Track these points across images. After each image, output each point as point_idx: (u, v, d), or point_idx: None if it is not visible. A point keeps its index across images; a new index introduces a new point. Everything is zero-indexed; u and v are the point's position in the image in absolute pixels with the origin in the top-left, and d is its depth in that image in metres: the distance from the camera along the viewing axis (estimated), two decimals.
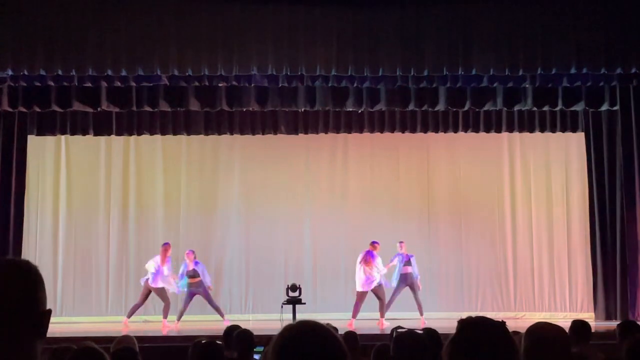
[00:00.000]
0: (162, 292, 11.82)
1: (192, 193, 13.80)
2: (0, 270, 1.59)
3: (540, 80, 11.08)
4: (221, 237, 13.66)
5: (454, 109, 12.35)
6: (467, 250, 13.64)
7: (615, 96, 11.89)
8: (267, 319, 12.01)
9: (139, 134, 12.99)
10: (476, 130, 13.01)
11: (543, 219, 13.58)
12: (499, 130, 13.10)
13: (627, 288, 11.99)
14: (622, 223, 12.22)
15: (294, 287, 11.21)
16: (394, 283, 12.03)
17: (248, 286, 13.55)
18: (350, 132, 13.20)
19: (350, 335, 5.99)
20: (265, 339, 5.70)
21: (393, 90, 11.58)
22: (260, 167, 13.70)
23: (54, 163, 13.55)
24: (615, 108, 12.02)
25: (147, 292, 11.87)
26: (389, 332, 6.77)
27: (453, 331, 2.17)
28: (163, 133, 12.97)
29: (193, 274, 11.85)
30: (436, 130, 13.07)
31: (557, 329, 3.02)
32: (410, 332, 4.48)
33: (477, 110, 12.41)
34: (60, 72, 10.22)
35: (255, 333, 5.61)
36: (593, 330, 5.65)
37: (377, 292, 11.70)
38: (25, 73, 10.23)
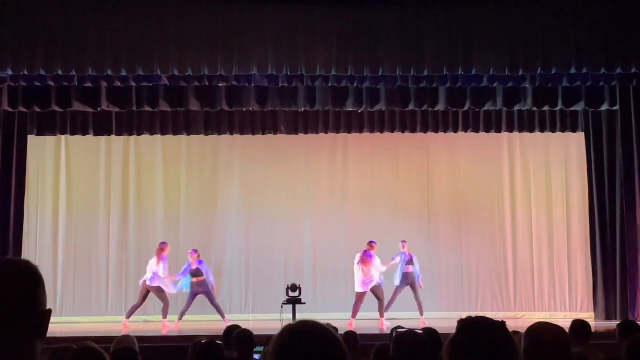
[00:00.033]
0: (160, 292, 11.81)
1: (192, 193, 13.81)
2: (0, 270, 1.59)
3: (540, 80, 11.09)
4: (221, 237, 13.66)
5: (454, 109, 12.35)
6: (467, 250, 13.64)
7: (615, 96, 11.89)
8: (267, 319, 12.01)
9: (139, 134, 13.00)
10: (476, 130, 13.02)
11: (543, 219, 13.58)
12: (499, 130, 13.11)
13: (627, 288, 11.99)
14: (622, 223, 12.23)
15: (294, 287, 11.21)
16: (397, 282, 12.04)
17: (248, 286, 13.55)
18: (350, 132, 13.21)
19: (350, 335, 5.99)
20: (265, 339, 5.72)
21: (393, 90, 11.58)
22: (260, 167, 13.70)
23: (54, 163, 13.55)
24: (615, 108, 12.02)
25: (146, 293, 11.85)
26: (389, 332, 6.77)
27: (453, 331, 2.16)
28: (163, 133, 12.98)
29: (197, 273, 11.83)
30: (436, 130, 13.07)
31: (557, 329, 3.02)
32: (410, 332, 4.48)
33: (477, 110, 12.41)
34: (60, 72, 10.22)
35: (255, 333, 5.61)
36: (593, 330, 5.65)
37: (376, 292, 11.70)
38: (25, 73, 10.23)
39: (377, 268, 11.68)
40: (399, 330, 5.15)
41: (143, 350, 5.02)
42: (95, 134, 12.87)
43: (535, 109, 12.21)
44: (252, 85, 11.22)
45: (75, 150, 13.62)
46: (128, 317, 11.85)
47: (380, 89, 11.61)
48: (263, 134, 13.03)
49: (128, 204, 13.63)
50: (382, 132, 13.05)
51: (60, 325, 11.34)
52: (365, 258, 11.66)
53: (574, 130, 13.12)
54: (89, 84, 10.91)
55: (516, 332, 3.25)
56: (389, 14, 10.27)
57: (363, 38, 10.27)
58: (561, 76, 10.93)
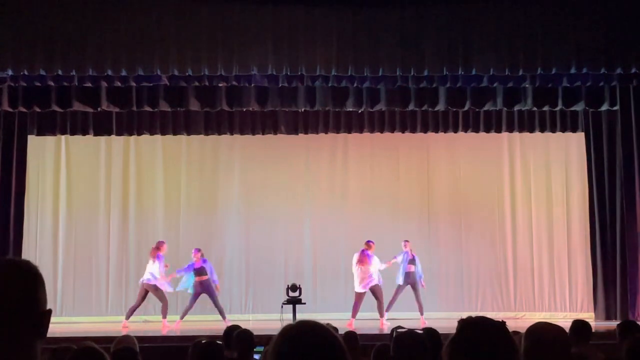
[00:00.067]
0: (158, 292, 11.80)
1: (192, 193, 13.81)
2: (0, 270, 1.59)
3: (540, 80, 11.08)
4: (221, 237, 13.66)
5: (454, 109, 12.35)
6: (467, 250, 13.64)
7: (615, 96, 11.89)
8: (267, 319, 12.01)
9: (139, 134, 13.00)
10: (476, 130, 13.02)
11: (543, 219, 13.58)
12: (499, 130, 13.10)
13: (627, 288, 11.98)
14: (622, 223, 12.22)
15: (294, 287, 11.21)
16: (400, 281, 12.05)
17: (248, 286, 13.56)
18: (350, 132, 13.20)
19: (350, 335, 5.99)
20: (265, 339, 5.71)
21: (393, 90, 11.57)
22: (260, 167, 13.70)
23: (54, 163, 13.55)
24: (615, 108, 12.02)
25: (144, 293, 11.85)
26: (389, 332, 6.77)
27: (453, 331, 2.17)
28: (163, 133, 12.98)
29: (201, 272, 11.81)
30: (436, 130, 13.07)
31: (557, 329, 3.02)
32: (410, 332, 4.48)
33: (477, 110, 12.41)
34: (60, 72, 10.22)
35: (255, 333, 5.61)
36: (593, 330, 5.65)
37: (375, 291, 11.70)
38: (25, 73, 10.23)
39: (376, 267, 11.69)
40: (399, 330, 5.15)
41: (143, 350, 5.02)
42: (95, 134, 12.86)
43: (535, 109, 12.20)
44: (252, 85, 11.22)
45: (75, 150, 13.62)
46: (127, 317, 11.84)
47: (380, 89, 11.61)
48: (263, 134, 13.03)
49: (128, 204, 13.63)
50: (382, 132, 13.05)
51: (60, 325, 11.33)
52: (363, 258, 11.67)
53: (574, 130, 13.12)
54: (89, 84, 10.91)
55: (516, 332, 3.25)
56: (389, 14, 10.27)
57: (363, 38, 10.26)
58: (561, 76, 10.92)
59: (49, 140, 13.31)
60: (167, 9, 10.15)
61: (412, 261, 12.09)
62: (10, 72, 10.27)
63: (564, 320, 9.36)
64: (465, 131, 13.05)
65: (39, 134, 12.84)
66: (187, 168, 13.81)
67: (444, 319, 11.20)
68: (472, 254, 13.60)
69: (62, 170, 13.57)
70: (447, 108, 12.11)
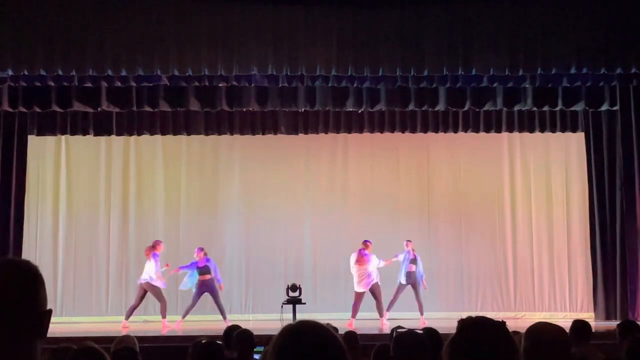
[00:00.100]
0: (156, 291, 11.80)
1: (192, 193, 13.81)
2: (0, 270, 1.58)
3: (540, 80, 11.08)
4: (221, 237, 13.66)
5: (454, 109, 12.35)
6: (467, 250, 13.64)
7: (615, 96, 11.89)
8: (267, 319, 12.01)
9: (139, 134, 13.00)
10: (476, 130, 13.02)
11: (543, 219, 13.58)
12: (499, 130, 13.10)
13: (627, 288, 11.99)
14: (622, 223, 12.23)
15: (294, 287, 11.21)
16: (403, 280, 12.06)
17: (248, 286, 13.56)
18: (350, 132, 13.20)
19: (350, 335, 5.99)
20: (265, 339, 5.70)
21: (393, 90, 11.57)
22: (260, 167, 13.70)
23: (54, 163, 13.55)
24: (615, 108, 12.02)
25: (143, 293, 11.85)
26: (389, 332, 6.77)
27: (453, 331, 2.17)
28: (163, 133, 12.98)
29: (204, 271, 11.80)
30: (436, 130, 13.07)
31: (557, 329, 3.02)
32: (410, 332, 4.48)
33: (477, 110, 12.41)
34: (60, 72, 10.22)
35: (255, 333, 5.61)
36: (593, 330, 5.65)
37: (374, 291, 11.70)
38: (25, 73, 10.23)
39: (375, 266, 11.69)
40: (399, 330, 5.15)
41: (143, 350, 5.02)
42: (95, 134, 12.87)
43: (535, 109, 12.20)
44: (252, 85, 11.22)
45: (75, 150, 13.62)
46: (127, 317, 11.84)
47: (380, 89, 11.61)
48: (263, 134, 13.03)
49: (128, 204, 13.63)
50: (382, 132, 13.05)
51: (60, 325, 11.33)
52: (361, 258, 11.69)
53: (574, 130, 13.11)
54: (89, 84, 10.91)
55: (516, 332, 3.25)
56: (389, 14, 10.26)
57: (363, 38, 10.26)
58: (561, 76, 10.92)
59: (49, 140, 13.31)
60: (167, 9, 10.15)
61: (413, 261, 12.11)
62: (10, 72, 10.27)
63: (564, 320, 9.36)
64: (465, 131, 13.05)
65: (39, 134, 12.84)
66: (187, 168, 13.81)
67: (444, 319, 11.20)
68: (472, 253, 13.60)
69: (62, 171, 13.57)
70: (447, 108, 12.12)
